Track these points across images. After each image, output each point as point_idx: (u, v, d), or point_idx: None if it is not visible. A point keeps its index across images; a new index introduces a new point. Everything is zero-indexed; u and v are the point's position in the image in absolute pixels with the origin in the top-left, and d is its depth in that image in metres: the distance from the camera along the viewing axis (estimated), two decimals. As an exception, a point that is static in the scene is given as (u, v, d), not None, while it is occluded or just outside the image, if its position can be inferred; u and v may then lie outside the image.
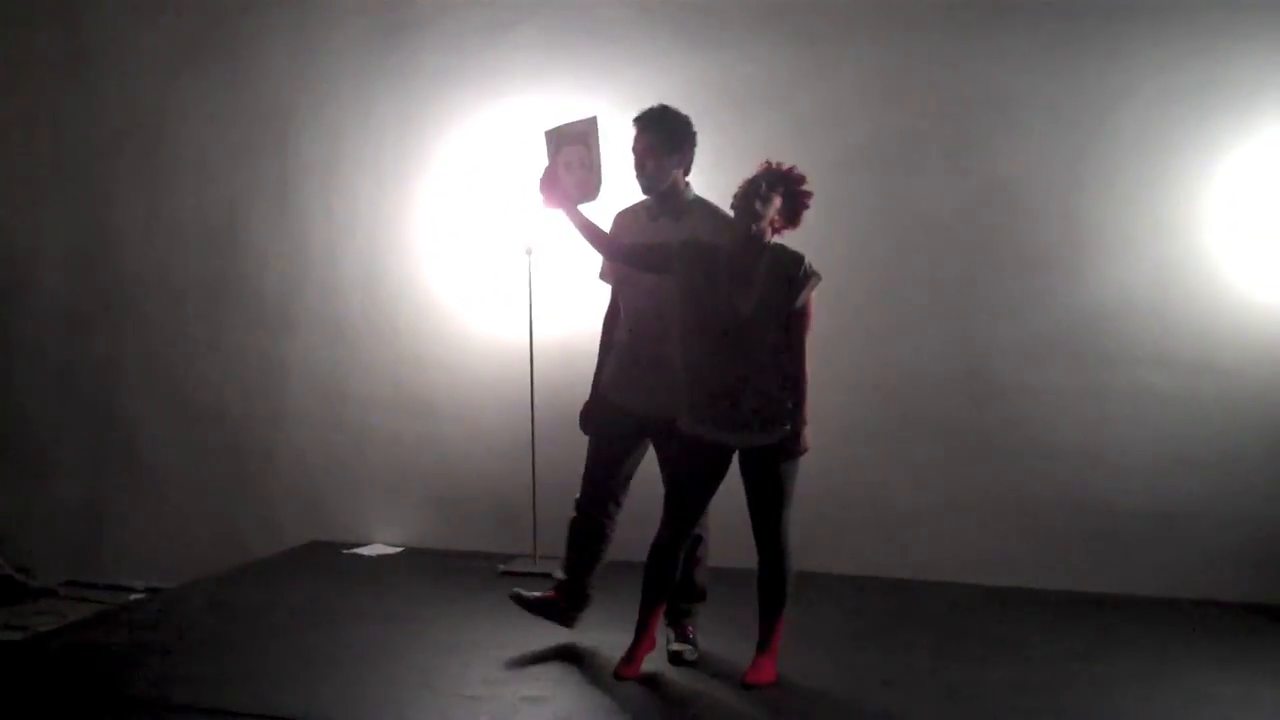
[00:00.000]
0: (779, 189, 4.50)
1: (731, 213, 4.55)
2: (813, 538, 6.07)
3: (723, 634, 5.08)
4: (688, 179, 5.00)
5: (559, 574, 5.23)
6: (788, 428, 4.55)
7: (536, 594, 5.21)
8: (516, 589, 5.27)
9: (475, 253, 6.90)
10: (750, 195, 4.47)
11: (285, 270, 7.33)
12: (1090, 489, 6.11)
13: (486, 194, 6.71)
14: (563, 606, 5.18)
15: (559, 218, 4.89)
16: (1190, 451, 5.98)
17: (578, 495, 5.15)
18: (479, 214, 6.81)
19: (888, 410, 6.36)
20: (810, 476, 5.88)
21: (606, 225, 4.95)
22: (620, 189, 5.03)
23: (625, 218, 5.06)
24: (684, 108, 6.01)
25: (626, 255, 4.78)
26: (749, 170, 4.55)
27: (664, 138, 4.87)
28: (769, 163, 4.56)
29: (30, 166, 7.80)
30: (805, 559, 5.81)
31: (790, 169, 4.54)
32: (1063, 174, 6.16)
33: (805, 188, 4.54)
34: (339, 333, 7.24)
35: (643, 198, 5.01)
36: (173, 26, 7.47)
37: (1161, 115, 5.99)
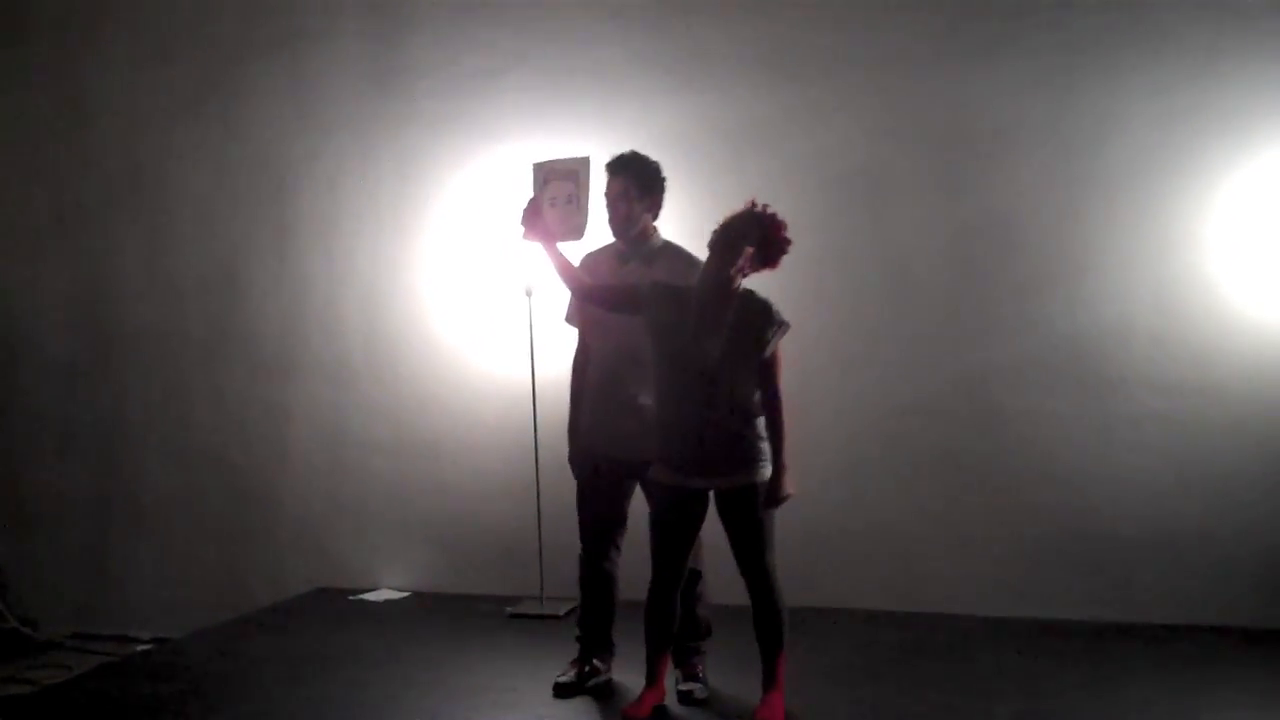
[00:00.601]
0: (754, 236, 4.49)
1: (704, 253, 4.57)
2: (817, 571, 6.12)
3: (732, 671, 5.07)
4: (656, 224, 5.07)
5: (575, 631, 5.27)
6: (762, 471, 4.54)
7: (569, 676, 5.15)
8: (558, 680, 5.14)
9: (475, 295, 6.92)
10: (725, 241, 4.48)
11: (285, 316, 7.35)
12: (1094, 515, 6.10)
13: (485, 237, 6.74)
14: (594, 666, 5.17)
15: (537, 251, 4.93)
16: (1194, 476, 5.98)
17: (580, 550, 5.18)
18: (478, 256, 6.83)
19: (891, 442, 6.36)
20: (817, 510, 5.95)
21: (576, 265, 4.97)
22: (595, 231, 5.08)
23: (594, 260, 5.12)
24: (678, 146, 6.11)
25: (597, 296, 4.79)
26: (739, 205, 4.56)
27: (636, 182, 4.97)
28: (753, 202, 4.56)
29: (29, 218, 7.83)
30: (813, 593, 5.87)
31: (771, 215, 4.53)
32: (1060, 200, 6.17)
33: (785, 234, 4.54)
34: (340, 377, 7.25)
35: (610, 241, 5.09)
36: (170, 78, 7.52)
37: (1157, 140, 6.02)
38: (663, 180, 5.05)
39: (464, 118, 6.97)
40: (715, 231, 4.51)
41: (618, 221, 4.99)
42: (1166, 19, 6.01)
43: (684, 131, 6.51)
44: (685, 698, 4.95)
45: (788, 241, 4.54)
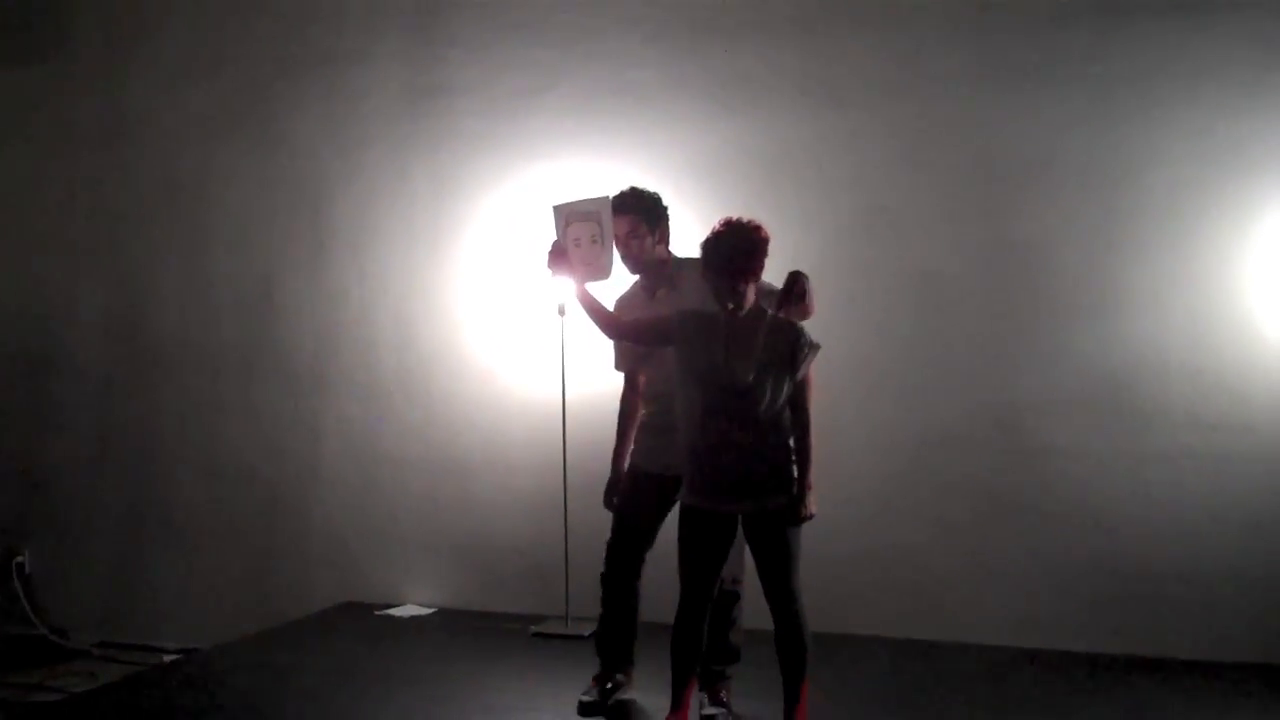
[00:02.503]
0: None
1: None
2: (847, 599, 6.09)
3: (756, 697, 5.05)
4: (669, 249, 5.17)
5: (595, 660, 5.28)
6: (790, 494, 4.55)
7: (593, 694, 5.16)
8: (582, 699, 5.15)
9: (508, 313, 6.94)
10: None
11: (319, 333, 7.39)
12: (1125, 550, 6.06)
13: (519, 255, 6.76)
14: (616, 680, 5.19)
15: (567, 286, 4.97)
16: (1226, 513, 5.93)
17: (603, 570, 5.19)
18: (511, 275, 6.85)
19: (921, 471, 6.34)
20: (844, 536, 5.92)
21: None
22: (619, 269, 5.14)
23: (625, 302, 5.17)
24: (714, 170, 6.19)
25: (629, 332, 4.84)
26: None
27: (643, 217, 5.07)
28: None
29: (69, 231, 7.91)
30: (839, 621, 5.84)
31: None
32: (1095, 233, 6.15)
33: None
34: (372, 394, 7.28)
35: (633, 279, 5.18)
36: (209, 94, 7.58)
37: (1194, 175, 5.99)
38: (665, 208, 5.16)
39: (500, 137, 7.00)
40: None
41: (633, 259, 5.09)
42: (1205, 55, 5.99)
43: (721, 156, 6.53)
44: None
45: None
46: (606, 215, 4.99)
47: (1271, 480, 5.88)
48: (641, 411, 5.19)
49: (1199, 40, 5.99)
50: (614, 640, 5.21)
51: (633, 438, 5.22)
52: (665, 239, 5.16)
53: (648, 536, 5.14)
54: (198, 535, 7.58)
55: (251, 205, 7.53)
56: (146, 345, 7.72)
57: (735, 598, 4.95)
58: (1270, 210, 5.90)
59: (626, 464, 5.22)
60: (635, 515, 5.13)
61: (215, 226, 7.61)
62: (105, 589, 7.74)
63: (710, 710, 4.98)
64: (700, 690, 4.97)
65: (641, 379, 5.18)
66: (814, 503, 4.54)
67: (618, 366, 5.27)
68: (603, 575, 5.21)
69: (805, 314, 4.66)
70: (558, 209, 5.07)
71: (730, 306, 4.50)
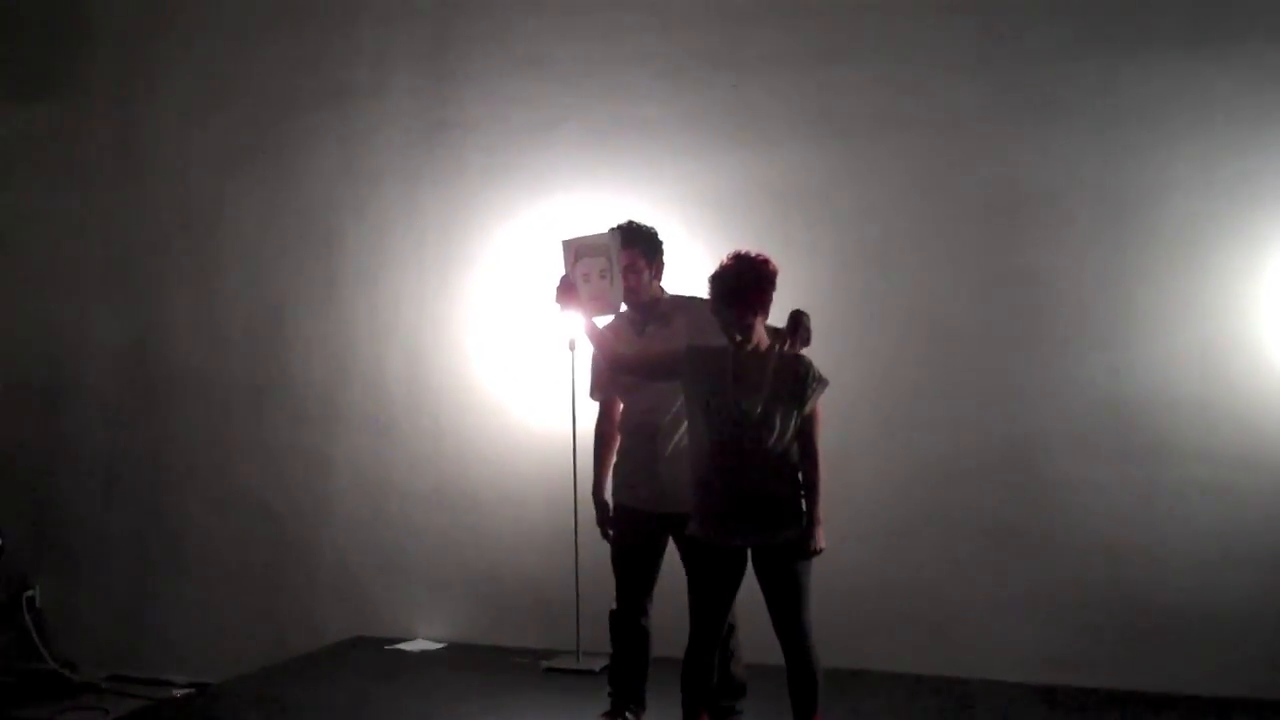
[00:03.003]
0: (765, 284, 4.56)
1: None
2: (860, 634, 6.07)
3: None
4: (662, 285, 5.23)
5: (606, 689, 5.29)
6: (799, 528, 4.54)
7: None
8: None
9: (518, 347, 6.94)
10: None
11: (330, 366, 7.40)
12: (1137, 584, 6.02)
13: (529, 289, 6.77)
14: (627, 718, 5.19)
15: (575, 320, 5.00)
16: (1237, 547, 5.89)
17: (613, 607, 5.19)
18: (522, 309, 6.86)
19: (933, 504, 6.31)
20: (856, 571, 5.92)
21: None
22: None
23: (611, 332, 5.17)
24: (724, 204, 6.24)
25: (637, 367, 4.85)
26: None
27: (645, 249, 5.14)
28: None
29: (80, 264, 7.95)
30: (853, 655, 5.82)
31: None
32: (1105, 267, 6.14)
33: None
34: (382, 428, 7.28)
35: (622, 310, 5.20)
36: (222, 127, 7.63)
37: (1205, 208, 5.98)
38: (662, 243, 5.22)
39: (510, 171, 7.02)
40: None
41: (629, 292, 5.10)
42: (1216, 87, 5.98)
43: (730, 189, 6.55)
44: None
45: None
46: (615, 249, 5.02)
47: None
48: (619, 441, 5.23)
49: (1208, 73, 5.99)
50: (624, 678, 5.20)
51: (610, 466, 5.26)
52: (659, 274, 5.22)
53: (648, 575, 5.15)
54: (208, 568, 7.59)
55: (263, 238, 7.57)
56: (157, 377, 7.74)
57: (730, 630, 4.94)
58: (1277, 242, 5.89)
59: (608, 495, 5.25)
60: (629, 556, 5.14)
61: (226, 259, 7.64)
62: (115, 622, 7.74)
63: None
64: (711, 728, 4.96)
65: (619, 408, 5.23)
66: (823, 537, 4.54)
67: (594, 395, 5.34)
68: (611, 613, 5.21)
69: (800, 346, 4.67)
70: (567, 244, 5.11)
71: (739, 339, 4.51)
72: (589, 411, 6.30)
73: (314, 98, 7.45)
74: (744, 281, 4.49)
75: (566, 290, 5.01)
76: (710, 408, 4.54)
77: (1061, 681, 6.00)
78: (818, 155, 6.51)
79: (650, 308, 5.14)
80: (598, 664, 6.21)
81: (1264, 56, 5.93)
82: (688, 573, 4.78)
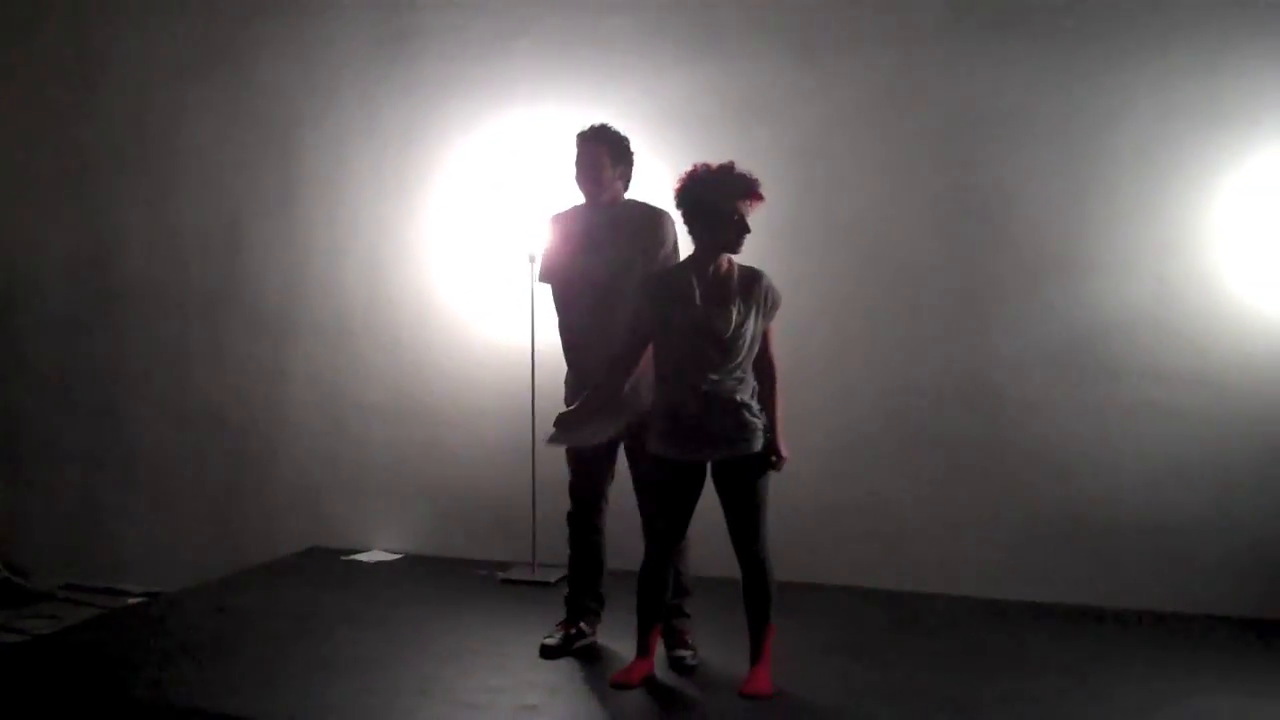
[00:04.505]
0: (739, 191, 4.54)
1: (700, 224, 4.59)
2: (812, 548, 6.15)
3: (719, 645, 5.08)
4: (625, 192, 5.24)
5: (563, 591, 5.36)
6: (761, 443, 4.57)
7: (556, 639, 5.21)
8: (544, 643, 5.19)
9: (478, 260, 6.91)
10: (730, 210, 4.51)
11: (287, 277, 7.35)
12: (1088, 502, 6.10)
13: (489, 202, 6.73)
14: (580, 629, 5.24)
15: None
16: (1188, 466, 5.98)
17: (569, 509, 5.24)
18: (482, 222, 6.82)
19: (888, 422, 6.36)
20: (810, 487, 5.97)
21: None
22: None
23: (561, 219, 5.26)
24: (687, 117, 6.22)
25: (633, 347, 4.75)
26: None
27: (612, 150, 5.13)
28: (733, 165, 4.58)
29: (34, 173, 7.85)
30: (804, 570, 5.89)
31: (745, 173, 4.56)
32: (1063, 189, 6.16)
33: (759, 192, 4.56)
34: (340, 340, 7.26)
35: (574, 205, 5.25)
36: (177, 35, 7.51)
37: (1162, 132, 6.00)
38: (632, 153, 5.21)
39: (471, 82, 6.95)
40: (716, 195, 4.53)
41: (592, 185, 5.12)
42: (1177, 12, 5.98)
43: (693, 102, 6.51)
44: (678, 664, 4.98)
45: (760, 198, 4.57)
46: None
47: (1233, 433, 5.92)
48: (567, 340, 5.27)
49: (1171, -4, 6.01)
50: (580, 580, 5.26)
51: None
52: (626, 180, 5.21)
53: (600, 474, 5.21)
54: (163, 479, 7.57)
55: (220, 148, 7.47)
56: (112, 287, 7.67)
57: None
58: (1236, 166, 5.91)
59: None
60: (590, 453, 5.14)
61: (183, 168, 7.55)
62: (69, 531, 7.73)
63: (679, 652, 5.02)
64: (663, 636, 5.01)
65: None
66: (785, 447, 4.59)
67: (544, 278, 5.32)
68: (569, 514, 5.25)
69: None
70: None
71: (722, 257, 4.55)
72: (548, 325, 6.30)
73: (271, 7, 7.33)
74: (733, 190, 4.50)
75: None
76: (677, 325, 4.54)
77: (1014, 596, 6.09)
78: (780, 70, 6.47)
79: (608, 207, 5.13)
80: (554, 575, 6.25)
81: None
82: (647, 487, 4.81)
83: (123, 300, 7.64)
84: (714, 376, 4.52)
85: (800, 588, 5.56)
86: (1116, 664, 5.21)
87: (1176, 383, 5.99)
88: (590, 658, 5.15)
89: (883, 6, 6.36)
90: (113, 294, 7.67)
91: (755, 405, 4.59)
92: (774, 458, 4.58)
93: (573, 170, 5.15)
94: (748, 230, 4.53)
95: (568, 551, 5.33)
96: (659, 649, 4.92)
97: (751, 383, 4.60)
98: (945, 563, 6.27)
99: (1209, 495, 5.96)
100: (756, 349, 4.58)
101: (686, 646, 5.05)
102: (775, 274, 4.68)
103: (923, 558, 6.31)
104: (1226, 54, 5.90)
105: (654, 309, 4.61)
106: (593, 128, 5.15)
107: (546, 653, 5.14)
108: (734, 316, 4.51)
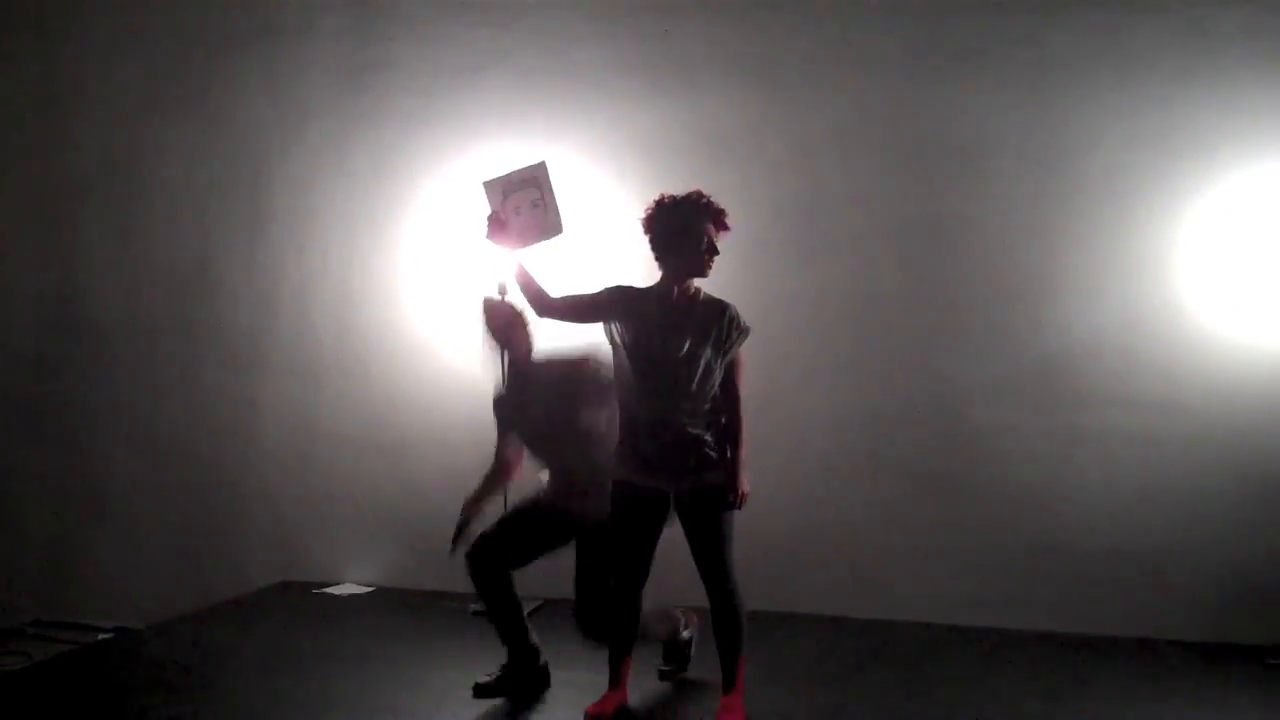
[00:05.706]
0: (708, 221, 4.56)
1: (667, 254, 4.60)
2: (782, 578, 6.15)
3: (692, 673, 5.09)
4: None
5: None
6: (723, 473, 4.56)
7: (491, 677, 5.11)
8: (477, 683, 5.09)
9: (448, 293, 6.91)
10: (699, 235, 4.53)
11: (256, 310, 7.34)
12: (1057, 529, 6.14)
13: (460, 234, 6.74)
14: (521, 666, 5.16)
15: (507, 260, 4.93)
16: (1157, 492, 6.03)
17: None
18: (452, 254, 6.83)
19: (857, 449, 6.39)
20: (779, 515, 5.96)
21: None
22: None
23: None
24: (655, 150, 6.23)
25: (562, 310, 4.78)
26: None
27: None
28: (700, 193, 4.59)
29: (1, 207, 7.79)
30: (775, 598, 5.89)
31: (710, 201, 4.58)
32: (1029, 218, 6.22)
33: (726, 221, 4.59)
34: (310, 372, 7.24)
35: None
36: (145, 68, 7.49)
37: (1127, 160, 6.07)
38: None
39: (441, 115, 6.97)
40: (676, 224, 4.54)
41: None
42: (1139, 42, 6.07)
43: (662, 135, 6.54)
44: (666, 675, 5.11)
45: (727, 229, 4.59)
46: (544, 177, 4.96)
47: (1201, 458, 5.97)
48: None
49: (1132, 26, 6.07)
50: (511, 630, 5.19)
51: None
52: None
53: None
54: (133, 513, 7.52)
55: (188, 181, 7.46)
56: (80, 322, 7.63)
57: None
58: (1199, 194, 5.99)
59: None
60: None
61: (151, 202, 7.53)
62: (39, 567, 7.66)
63: (666, 667, 5.13)
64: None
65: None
66: (747, 482, 4.57)
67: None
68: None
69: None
70: (490, 183, 5.03)
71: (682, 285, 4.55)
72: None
73: (242, 37, 7.33)
74: (702, 220, 4.52)
75: (497, 227, 4.89)
76: (636, 349, 4.55)
77: (983, 623, 6.12)
78: (748, 102, 6.52)
79: None
80: (526, 608, 6.23)
81: (1185, 13, 6.00)
82: (612, 517, 4.80)
83: (91, 333, 7.60)
84: (665, 402, 4.52)
85: (770, 616, 5.58)
86: (1087, 690, 5.23)
87: (1143, 408, 6.04)
88: (565, 688, 5.09)
89: (848, 38, 6.42)
90: (81, 328, 7.62)
91: (712, 439, 4.58)
92: (731, 495, 4.55)
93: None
94: (715, 253, 4.55)
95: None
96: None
97: (711, 415, 4.59)
98: (916, 590, 6.29)
99: (1177, 521, 6.00)
100: (714, 380, 4.56)
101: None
102: (742, 302, 4.66)
103: (891, 586, 6.33)
104: (1188, 83, 6.00)
105: (615, 324, 4.62)
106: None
107: (480, 692, 5.03)
108: (685, 344, 4.50)
